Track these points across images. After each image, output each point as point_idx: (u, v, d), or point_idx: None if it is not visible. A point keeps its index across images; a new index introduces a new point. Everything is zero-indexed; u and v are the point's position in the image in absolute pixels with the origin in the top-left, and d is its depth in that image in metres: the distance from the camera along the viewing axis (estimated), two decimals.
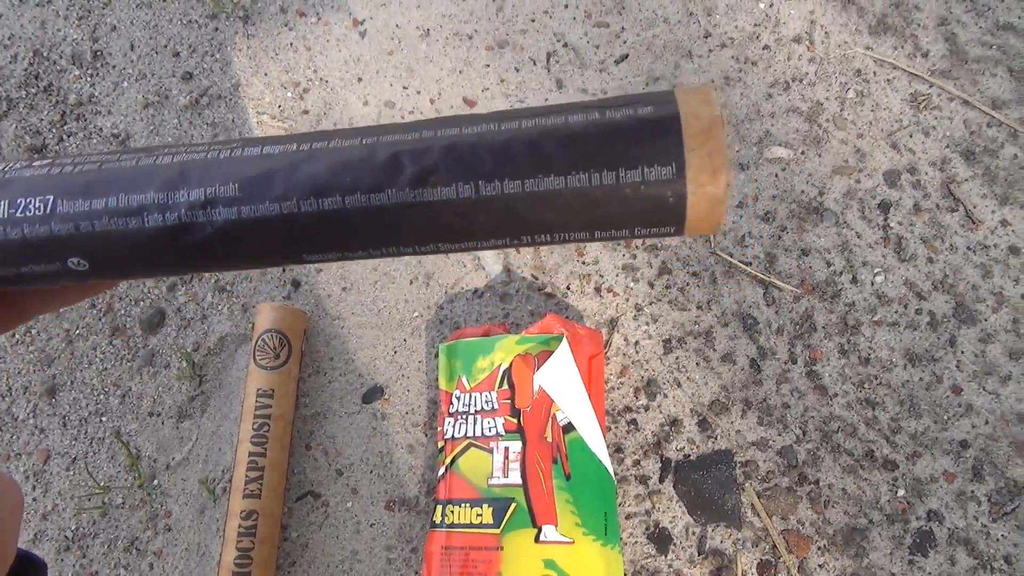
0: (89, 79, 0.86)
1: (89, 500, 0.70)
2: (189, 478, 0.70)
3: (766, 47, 0.83)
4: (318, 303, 0.76)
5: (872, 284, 0.73)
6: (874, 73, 0.82)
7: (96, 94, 0.85)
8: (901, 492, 0.66)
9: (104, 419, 0.73)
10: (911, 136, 0.79)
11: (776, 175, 0.78)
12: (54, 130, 0.84)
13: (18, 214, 0.19)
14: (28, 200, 0.19)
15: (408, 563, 0.67)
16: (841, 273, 0.74)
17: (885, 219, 0.76)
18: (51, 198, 0.19)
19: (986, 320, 0.71)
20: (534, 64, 0.84)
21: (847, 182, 0.77)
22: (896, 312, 0.72)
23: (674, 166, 0.17)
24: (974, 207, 0.75)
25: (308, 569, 0.67)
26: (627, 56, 0.84)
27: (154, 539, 0.68)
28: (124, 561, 0.68)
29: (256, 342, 0.69)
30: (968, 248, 0.74)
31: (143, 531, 0.69)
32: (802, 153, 0.79)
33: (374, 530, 0.68)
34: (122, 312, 0.76)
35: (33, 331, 0.76)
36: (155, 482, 0.70)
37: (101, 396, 0.73)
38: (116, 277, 0.20)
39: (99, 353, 0.75)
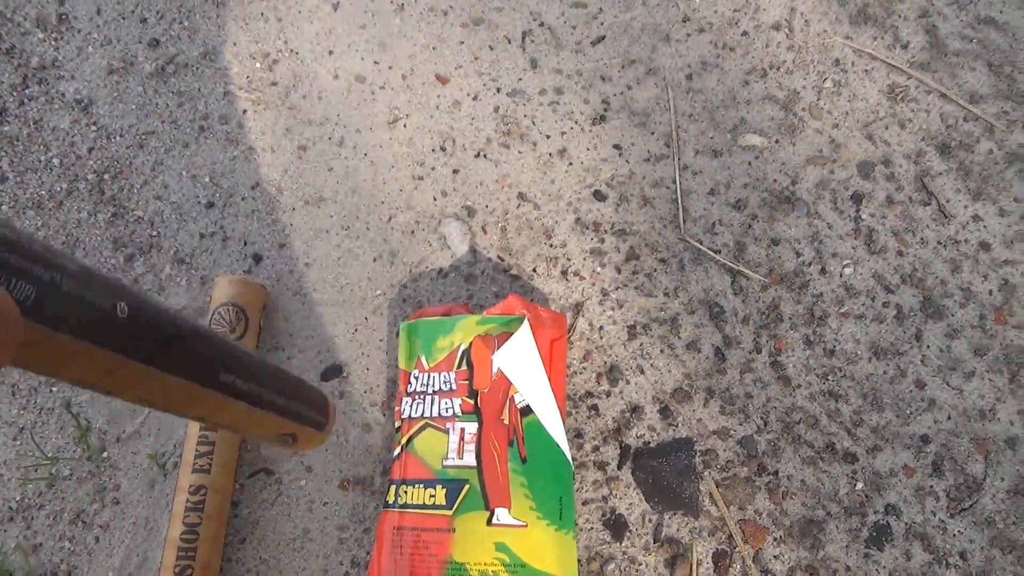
0: (53, 42, 0.83)
1: (36, 471, 0.68)
2: (140, 452, 0.69)
3: (744, 33, 0.82)
4: (279, 278, 0.74)
5: (841, 276, 0.73)
6: (852, 63, 0.81)
7: (60, 58, 0.83)
8: (860, 485, 0.65)
9: (54, 389, 0.71)
10: (887, 128, 0.78)
11: (749, 163, 0.77)
12: (15, 94, 0.81)
13: None
14: None
15: (360, 543, 0.66)
16: (810, 264, 0.73)
17: (857, 211, 0.75)
18: None
19: (953, 315, 0.71)
20: (509, 43, 0.83)
21: (820, 172, 0.77)
22: (863, 304, 0.71)
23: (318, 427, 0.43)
24: (947, 201, 0.75)
25: (258, 546, 0.66)
26: (604, 38, 0.82)
27: (101, 512, 0.67)
28: (69, 534, 0.66)
29: (212, 315, 0.68)
30: (939, 243, 0.73)
31: (90, 504, 0.67)
32: (776, 142, 0.78)
33: (327, 509, 0.67)
34: None
35: None
36: (104, 455, 0.69)
37: None
38: None
39: None
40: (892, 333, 0.70)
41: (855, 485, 0.65)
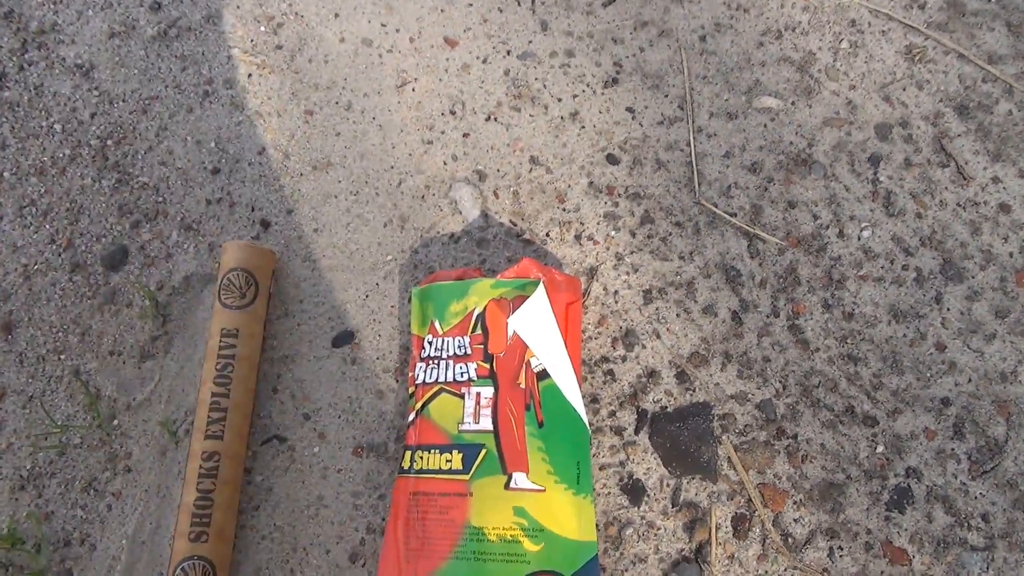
0: (52, 6, 0.82)
1: (46, 439, 0.67)
2: (150, 419, 0.68)
3: None
4: (288, 244, 0.73)
5: (859, 239, 0.71)
6: (869, 24, 0.79)
7: (59, 22, 0.81)
8: (880, 448, 0.65)
9: (63, 357, 0.70)
10: (904, 89, 0.77)
11: (765, 125, 0.76)
12: (14, 58, 0.80)
13: None
14: None
15: (375, 509, 0.65)
16: (828, 227, 0.72)
17: (875, 173, 0.74)
18: None
19: (973, 278, 0.70)
20: (519, 4, 0.81)
21: (837, 134, 0.75)
22: (882, 267, 0.70)
23: None
24: (966, 163, 0.73)
25: (272, 513, 0.65)
26: None
27: (113, 480, 0.66)
28: (81, 501, 0.66)
29: (221, 281, 0.67)
30: (958, 204, 0.72)
31: (102, 471, 0.66)
32: (792, 104, 0.77)
33: (341, 476, 0.66)
34: (83, 248, 0.73)
35: None
36: (115, 422, 0.68)
37: (60, 334, 0.70)
38: None
39: (58, 289, 0.72)
40: (912, 296, 0.69)
41: (875, 448, 0.65)
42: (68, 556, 0.64)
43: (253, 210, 0.74)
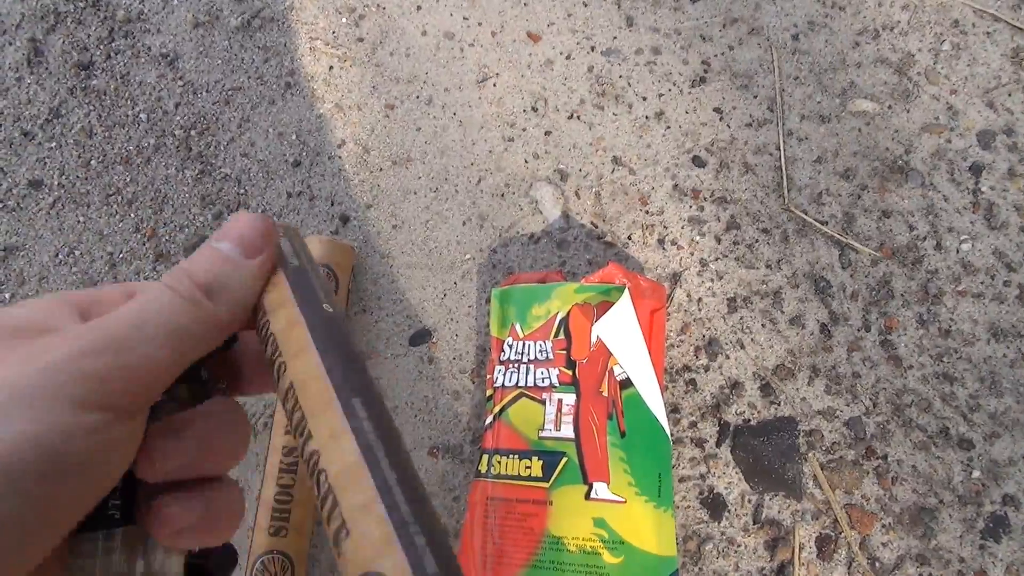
0: None
1: None
2: None
3: None
4: (367, 240, 0.73)
5: (957, 252, 0.68)
6: (973, 24, 0.76)
7: (145, 11, 0.82)
8: (976, 473, 0.62)
9: None
10: (1010, 95, 0.73)
11: (859, 130, 0.73)
12: (102, 47, 0.81)
13: None
14: None
15: (450, 511, 0.65)
16: (924, 238, 0.69)
17: (976, 183, 0.70)
18: None
19: None
20: None
21: (936, 141, 0.72)
22: (982, 283, 0.67)
23: None
24: None
25: None
26: None
27: None
28: None
29: None
30: None
31: None
32: (889, 107, 0.73)
33: None
34: (166, 238, 0.74)
35: (76, 252, 0.74)
36: None
37: None
38: None
39: (142, 278, 0.73)
40: (1013, 314, 0.66)
41: (971, 473, 0.62)
42: None
43: (333, 204, 0.74)
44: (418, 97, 0.77)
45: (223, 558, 0.28)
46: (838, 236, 0.69)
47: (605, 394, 0.61)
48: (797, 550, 0.61)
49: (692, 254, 0.70)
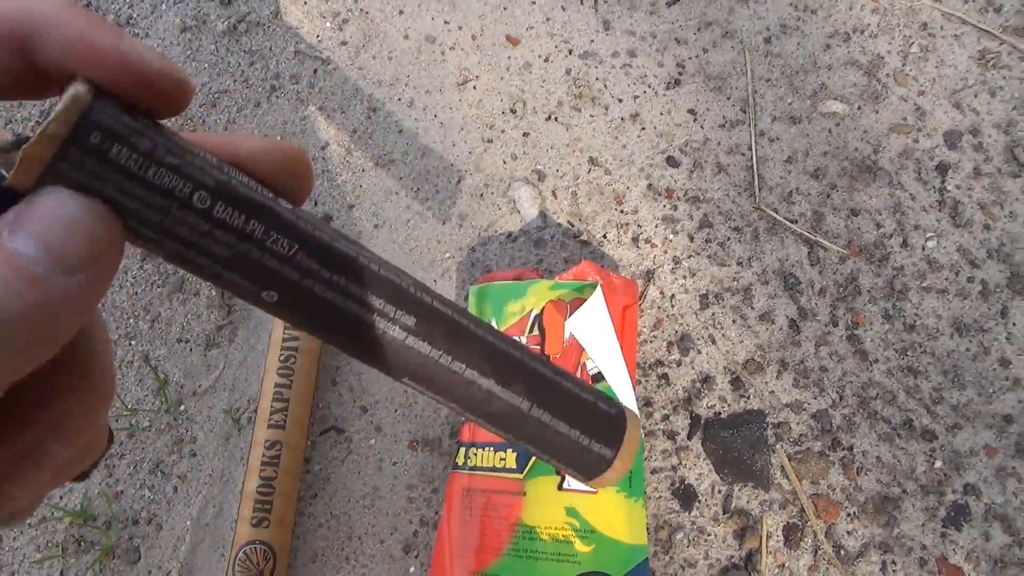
0: (128, 0, 0.84)
1: (116, 421, 0.70)
2: (215, 406, 0.70)
3: None
4: None
5: (923, 249, 0.70)
6: (941, 27, 0.78)
7: (135, 16, 0.84)
8: (938, 464, 0.64)
9: (133, 343, 0.73)
10: (976, 96, 0.75)
11: (829, 130, 0.75)
12: None
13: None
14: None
15: (428, 503, 0.67)
16: (891, 236, 0.71)
17: (942, 182, 0.72)
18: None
19: None
20: (581, 3, 0.81)
21: (904, 141, 0.74)
22: (946, 279, 0.69)
23: (611, 452, 0.24)
24: None
25: (329, 502, 0.67)
26: None
27: (179, 463, 0.69)
28: (149, 482, 0.69)
29: None
30: None
31: (168, 455, 0.69)
32: (858, 108, 0.75)
33: (396, 468, 0.68)
34: None
35: None
36: (182, 407, 0.70)
37: (131, 320, 0.73)
38: (292, 323, 0.21)
39: (130, 277, 0.74)
40: (976, 309, 0.68)
41: (933, 463, 0.64)
42: (136, 534, 0.67)
43: (316, 204, 0.76)
44: (400, 99, 0.79)
45: None
46: (807, 234, 0.71)
47: None
48: (765, 539, 0.63)
49: (665, 252, 0.72)
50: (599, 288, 0.64)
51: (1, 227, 0.15)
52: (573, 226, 0.74)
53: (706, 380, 0.68)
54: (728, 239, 0.72)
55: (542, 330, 0.64)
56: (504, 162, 0.76)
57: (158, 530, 0.67)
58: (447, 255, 0.74)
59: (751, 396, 0.67)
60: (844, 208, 0.72)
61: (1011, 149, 0.72)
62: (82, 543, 0.67)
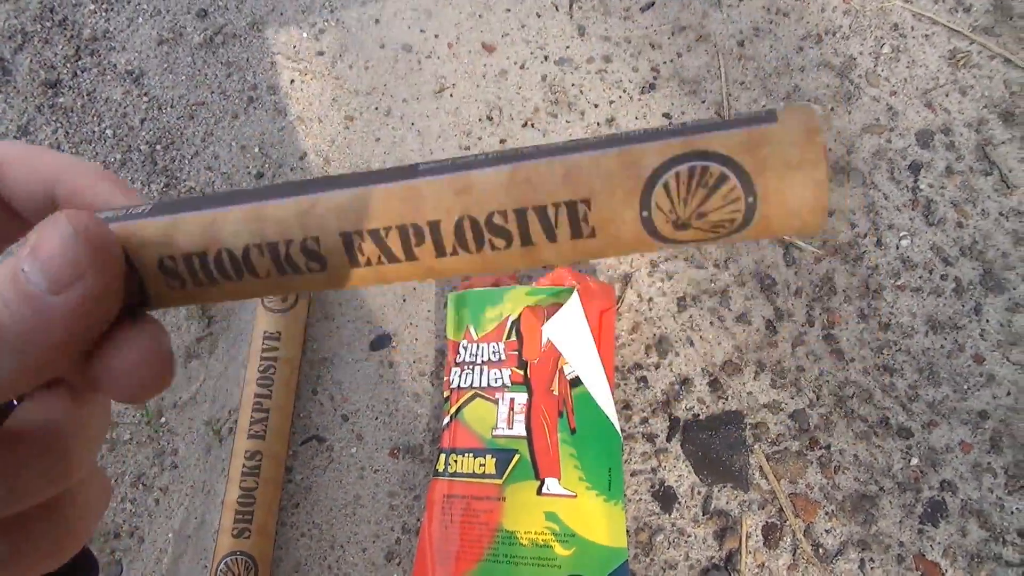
0: (104, 14, 0.84)
1: None
2: (196, 418, 0.70)
3: None
4: None
5: (897, 248, 0.71)
6: (912, 28, 0.78)
7: (111, 29, 0.84)
8: (915, 461, 0.64)
9: None
10: (947, 95, 0.76)
11: None
12: (68, 65, 0.83)
13: None
14: None
15: (410, 510, 0.67)
16: (865, 235, 0.72)
17: (915, 181, 0.73)
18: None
19: (1015, 289, 0.69)
20: (556, 10, 0.81)
21: (877, 141, 0.75)
22: (920, 277, 0.70)
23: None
24: (1010, 171, 0.72)
25: (311, 511, 0.67)
26: (653, 4, 0.81)
27: (160, 475, 0.69)
28: (131, 495, 0.69)
29: None
30: (1000, 214, 0.71)
31: (150, 467, 0.69)
32: (832, 110, 0.76)
33: (378, 476, 0.68)
34: None
35: None
36: (162, 420, 0.71)
37: None
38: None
39: None
40: (950, 307, 0.69)
41: (910, 460, 0.64)
42: (118, 547, 0.67)
43: None
44: (377, 108, 0.79)
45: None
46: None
47: (556, 393, 0.63)
48: (744, 539, 0.63)
49: (642, 256, 0.73)
50: (576, 293, 0.64)
51: (21, 250, 0.16)
52: None
53: (684, 382, 0.68)
54: None
55: (520, 335, 0.65)
56: None
57: (140, 543, 0.67)
58: None
59: (729, 397, 0.68)
60: None
61: (982, 147, 0.73)
62: None
